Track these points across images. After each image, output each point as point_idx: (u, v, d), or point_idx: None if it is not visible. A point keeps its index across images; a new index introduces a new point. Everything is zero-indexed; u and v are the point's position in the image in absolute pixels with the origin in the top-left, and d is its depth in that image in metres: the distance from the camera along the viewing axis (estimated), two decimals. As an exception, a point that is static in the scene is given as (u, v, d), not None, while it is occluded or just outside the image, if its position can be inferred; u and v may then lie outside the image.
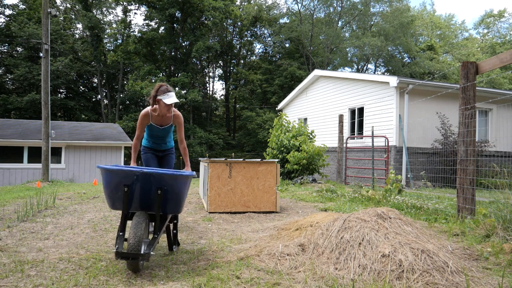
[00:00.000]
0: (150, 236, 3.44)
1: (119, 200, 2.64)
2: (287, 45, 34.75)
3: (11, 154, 15.58)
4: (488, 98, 11.23)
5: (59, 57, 28.29)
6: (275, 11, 35.71)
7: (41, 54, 13.14)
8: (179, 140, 3.89)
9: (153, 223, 2.95)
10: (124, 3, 30.82)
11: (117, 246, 2.46)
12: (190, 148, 26.40)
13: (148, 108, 3.72)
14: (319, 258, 2.68)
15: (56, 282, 2.32)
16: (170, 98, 3.59)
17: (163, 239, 3.56)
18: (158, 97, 3.61)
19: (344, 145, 11.56)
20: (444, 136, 10.35)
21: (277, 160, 5.59)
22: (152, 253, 2.47)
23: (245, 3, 35.53)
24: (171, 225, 3.12)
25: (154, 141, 3.94)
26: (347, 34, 36.33)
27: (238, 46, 35.14)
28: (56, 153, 16.10)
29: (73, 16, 34.06)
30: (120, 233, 2.61)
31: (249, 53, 36.60)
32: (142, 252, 2.41)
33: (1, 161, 15.41)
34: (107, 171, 2.60)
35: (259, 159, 5.46)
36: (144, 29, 30.31)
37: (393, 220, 2.89)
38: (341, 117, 11.13)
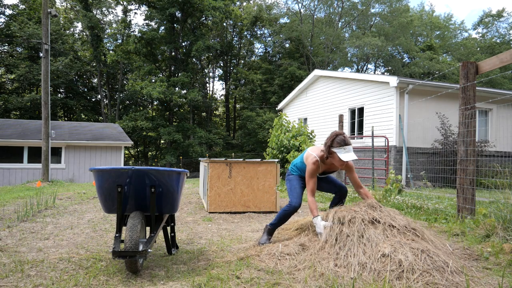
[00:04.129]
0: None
1: (114, 202, 2.63)
2: (287, 45, 34.73)
3: (11, 154, 15.58)
4: (488, 98, 11.22)
5: (59, 57, 28.28)
6: (275, 11, 35.70)
7: (41, 54, 13.14)
8: (356, 185, 3.30)
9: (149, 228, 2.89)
10: (124, 3, 30.80)
11: (113, 246, 2.45)
12: (190, 148, 26.39)
13: (317, 156, 3.19)
14: (319, 254, 2.68)
15: (56, 282, 2.32)
16: (348, 154, 3.02)
17: (163, 240, 3.55)
18: (334, 149, 3.05)
19: (344, 145, 11.55)
20: (444, 136, 10.35)
21: (277, 160, 5.59)
22: (149, 250, 2.46)
23: (245, 3, 35.52)
24: (168, 228, 3.10)
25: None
26: (347, 34, 36.33)
27: (238, 46, 35.13)
28: (56, 153, 16.10)
29: (72, 16, 34.06)
30: (117, 235, 2.60)
31: (249, 53, 36.59)
32: (139, 250, 2.40)
33: (1, 161, 15.40)
34: (99, 171, 2.60)
35: (259, 159, 5.46)
36: (144, 29, 30.28)
37: (383, 209, 2.94)
38: (341, 117, 11.12)
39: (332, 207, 3.38)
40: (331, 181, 3.50)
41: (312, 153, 3.23)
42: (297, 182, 3.38)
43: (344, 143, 3.03)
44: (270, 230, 3.32)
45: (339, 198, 3.47)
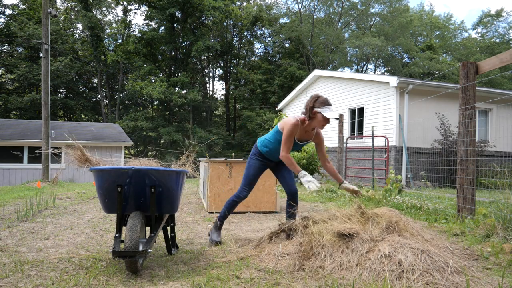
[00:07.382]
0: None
1: (114, 202, 2.62)
2: (287, 45, 34.73)
3: (11, 154, 15.59)
4: (488, 98, 11.23)
5: (59, 57, 28.30)
6: (275, 11, 35.71)
7: (41, 54, 13.14)
8: (323, 159, 3.38)
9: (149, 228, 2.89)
10: (124, 3, 30.81)
11: (114, 246, 2.45)
12: (190, 147, 26.35)
13: (297, 118, 3.20)
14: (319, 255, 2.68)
15: (56, 282, 2.32)
16: (332, 113, 3.10)
17: (163, 240, 3.55)
18: (317, 109, 3.10)
19: (344, 145, 11.55)
20: (443, 136, 10.36)
21: (277, 160, 5.59)
22: (149, 250, 2.46)
23: (245, 3, 35.52)
24: (168, 228, 3.11)
25: (273, 152, 3.36)
26: (346, 35, 36.34)
27: (238, 46, 35.13)
28: (56, 153, 16.10)
29: (73, 16, 34.06)
30: (117, 235, 2.60)
31: (249, 53, 36.59)
32: (139, 250, 2.39)
33: (1, 161, 15.40)
34: (99, 171, 2.60)
35: (259, 159, 5.45)
36: (144, 29, 30.30)
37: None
38: (341, 117, 11.12)
39: (287, 213, 3.37)
40: (285, 174, 3.45)
41: (291, 118, 3.18)
42: (255, 171, 3.39)
43: (328, 102, 3.12)
44: (220, 225, 3.46)
45: (291, 199, 3.41)
